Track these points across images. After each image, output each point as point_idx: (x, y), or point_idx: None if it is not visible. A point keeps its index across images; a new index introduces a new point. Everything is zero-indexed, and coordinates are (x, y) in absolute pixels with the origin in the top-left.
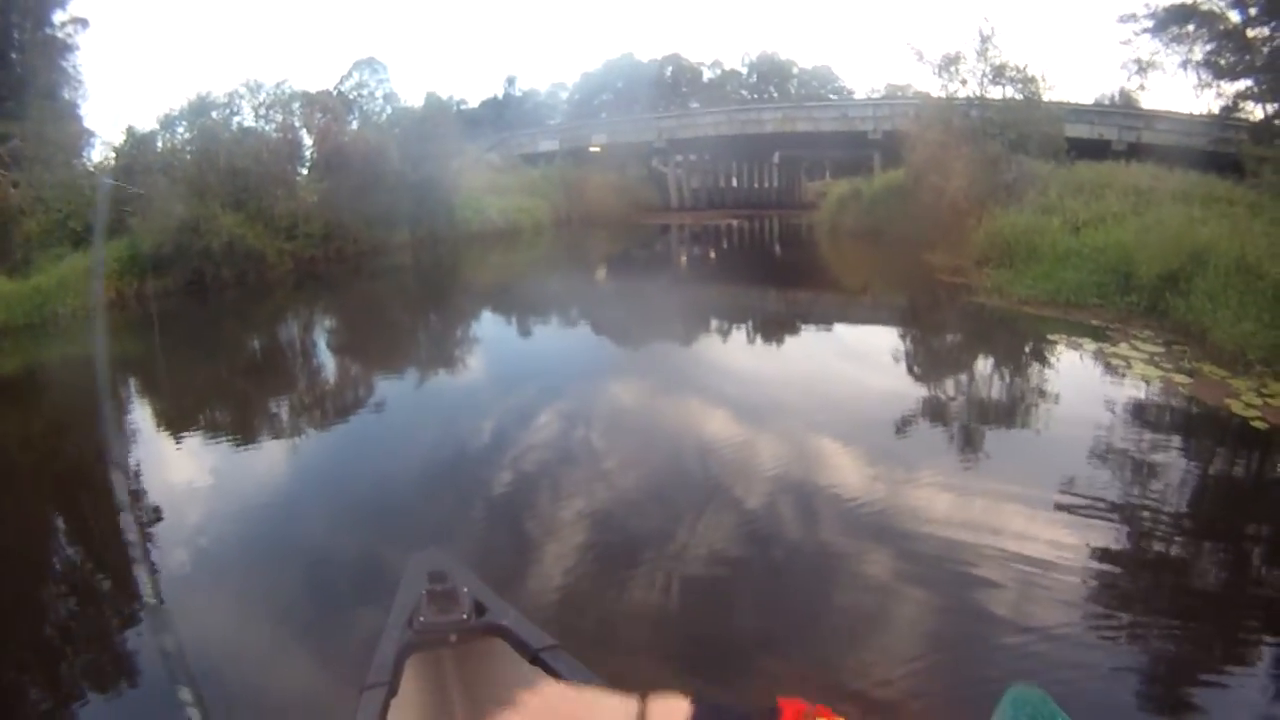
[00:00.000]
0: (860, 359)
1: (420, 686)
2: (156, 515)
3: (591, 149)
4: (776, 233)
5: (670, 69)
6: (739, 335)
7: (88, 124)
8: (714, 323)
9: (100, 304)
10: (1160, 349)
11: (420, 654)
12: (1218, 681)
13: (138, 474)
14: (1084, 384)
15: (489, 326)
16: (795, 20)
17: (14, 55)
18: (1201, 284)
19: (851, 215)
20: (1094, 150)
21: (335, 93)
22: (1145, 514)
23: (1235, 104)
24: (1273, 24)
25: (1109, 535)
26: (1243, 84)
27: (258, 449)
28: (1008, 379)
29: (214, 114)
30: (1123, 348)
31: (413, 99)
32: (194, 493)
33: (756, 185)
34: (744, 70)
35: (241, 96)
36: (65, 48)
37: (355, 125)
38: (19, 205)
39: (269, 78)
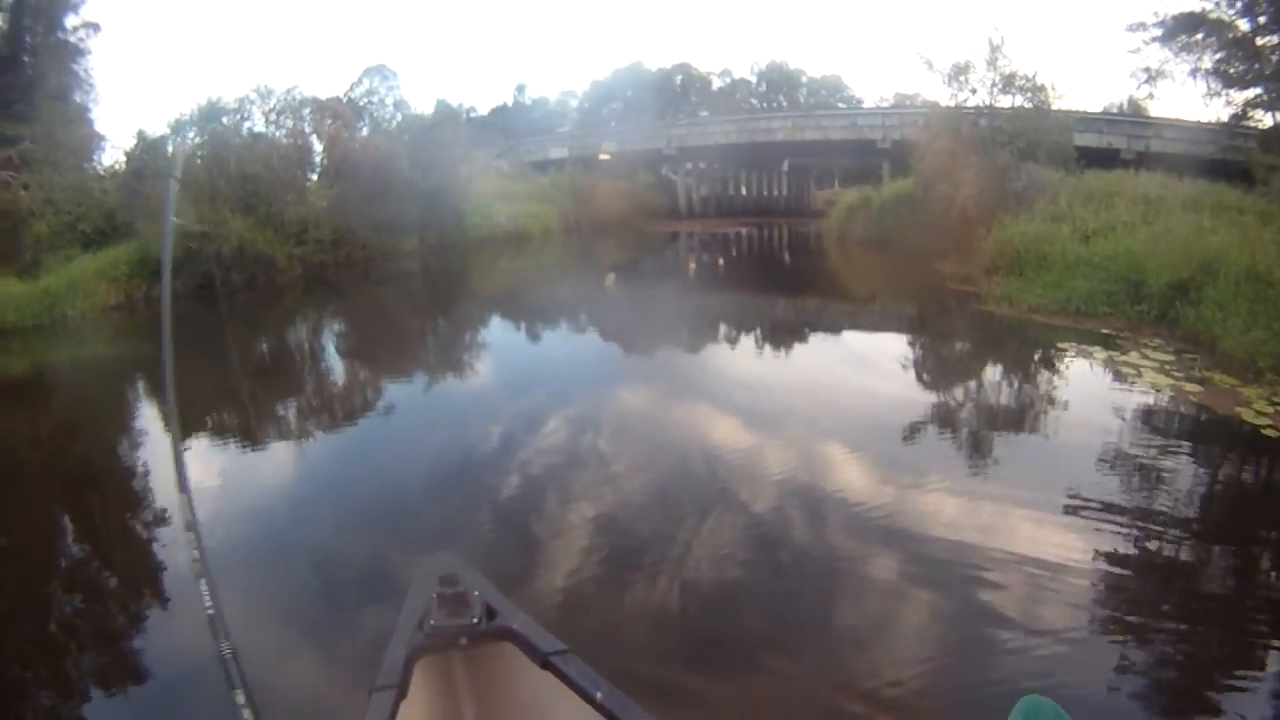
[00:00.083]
0: (869, 366)
1: (430, 689)
2: (164, 516)
3: (601, 156)
4: (785, 241)
5: (679, 77)
6: (748, 342)
7: (98, 128)
8: (723, 330)
9: (168, 309)
10: (1170, 357)
11: (430, 657)
12: (1229, 689)
13: (147, 475)
14: (1094, 392)
15: (497, 332)
16: (804, 29)
17: (26, 58)
18: (1211, 292)
19: (860, 224)
20: (1103, 159)
21: (345, 99)
22: (1156, 521)
23: (1244, 112)
24: None
25: (1120, 542)
26: (1252, 92)
27: (268, 452)
28: (1018, 386)
29: (224, 119)
30: (1133, 356)
31: (423, 106)
32: (203, 494)
33: (765, 193)
34: (753, 79)
35: (252, 102)
36: (77, 51)
37: (365, 132)
38: (29, 207)
39: (280, 83)
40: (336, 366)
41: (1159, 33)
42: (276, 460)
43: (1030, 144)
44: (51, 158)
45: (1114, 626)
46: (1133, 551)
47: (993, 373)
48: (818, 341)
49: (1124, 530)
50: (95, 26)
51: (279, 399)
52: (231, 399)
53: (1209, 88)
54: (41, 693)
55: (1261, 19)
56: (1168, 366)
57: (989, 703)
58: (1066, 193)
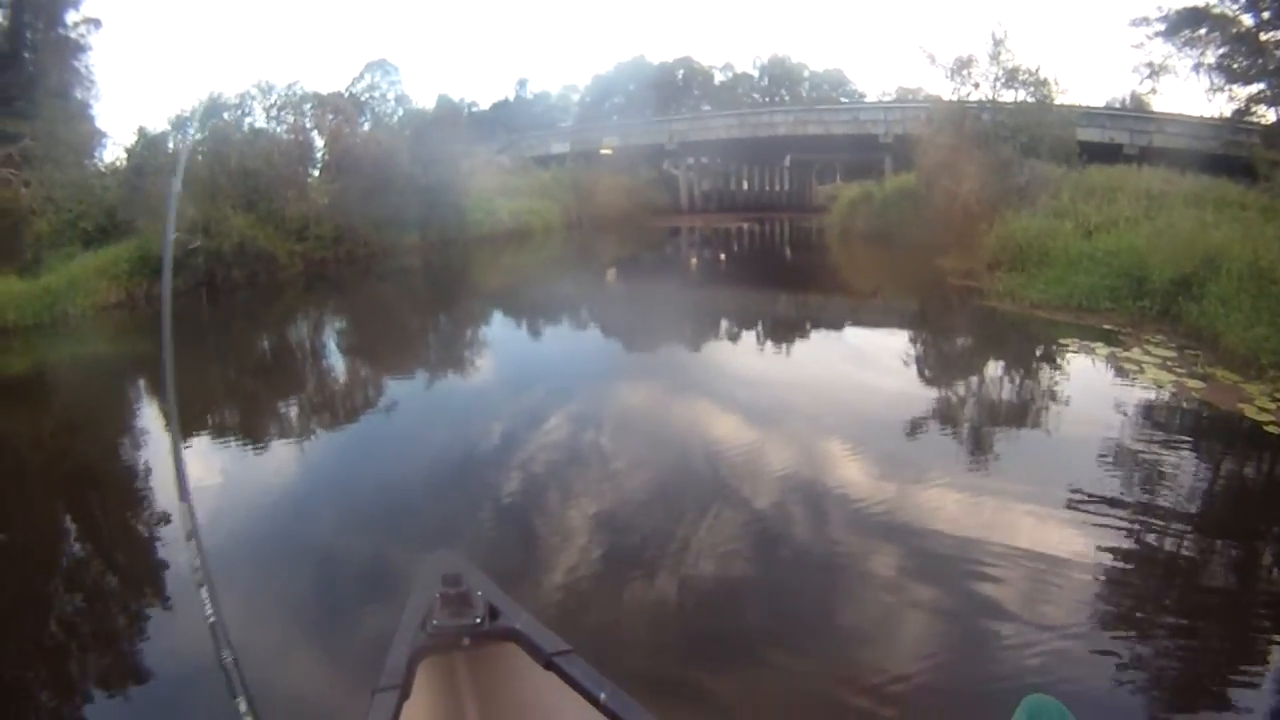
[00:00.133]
0: (871, 362)
1: (433, 690)
2: (165, 517)
3: (602, 151)
4: (787, 236)
5: (681, 72)
6: (749, 338)
7: (99, 124)
8: (724, 326)
9: (168, 318)
10: (1173, 353)
11: (433, 657)
12: (1233, 685)
13: (148, 473)
14: (1097, 388)
15: (499, 328)
16: (807, 23)
17: (26, 55)
18: (1214, 288)
19: (862, 218)
20: (1106, 154)
21: (347, 94)
22: (1159, 517)
23: (1248, 108)
24: None
25: (1122, 538)
26: (1255, 88)
27: (269, 449)
28: (1020, 383)
29: (225, 115)
30: (1135, 352)
31: (424, 101)
32: (204, 492)
33: (767, 188)
34: (755, 73)
35: (253, 98)
36: (77, 48)
37: (366, 127)
38: (30, 205)
39: (280, 79)
40: (338, 364)
41: (1162, 27)
42: (278, 458)
43: (1033, 139)
44: (52, 155)
45: (1117, 622)
46: (1135, 548)
47: (995, 369)
48: (819, 337)
49: (1127, 526)
50: (96, 23)
51: (280, 396)
52: (232, 396)
53: (1212, 83)
54: (40, 694)
55: (1265, 14)
56: (1170, 363)
57: (993, 698)
58: (1069, 188)
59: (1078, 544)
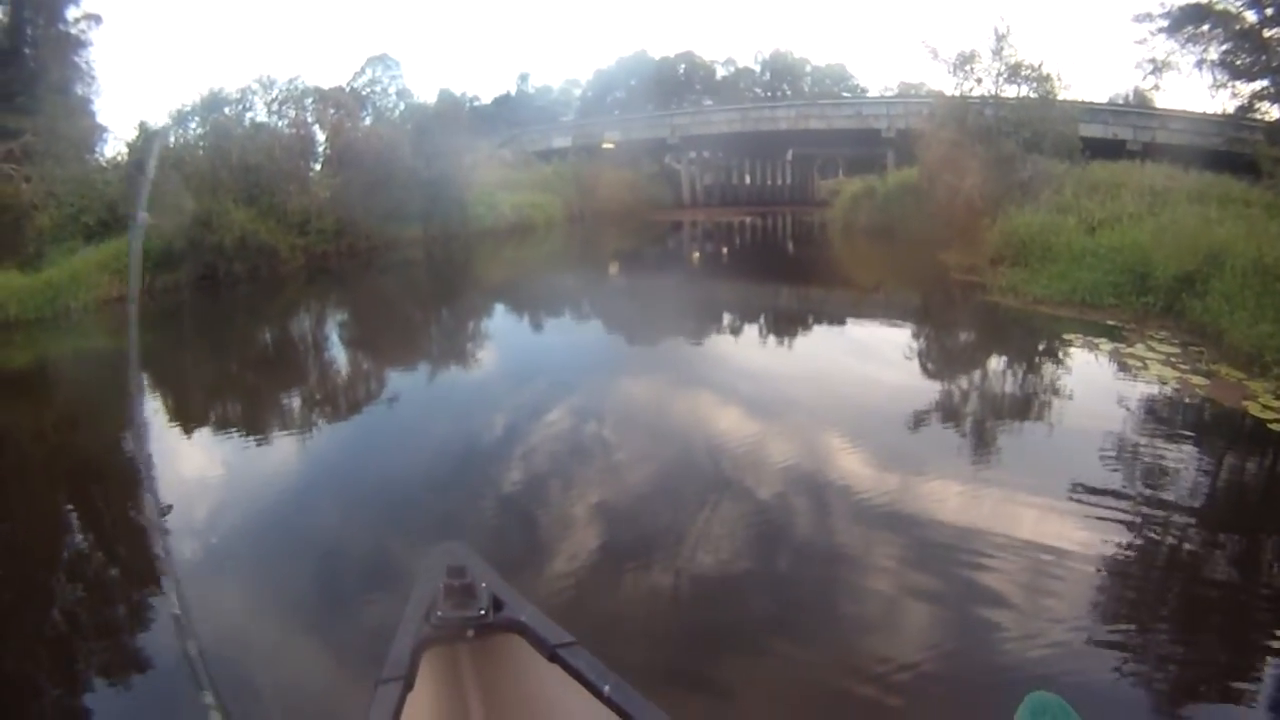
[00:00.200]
0: (874, 356)
1: (436, 681)
2: (169, 507)
3: (604, 145)
4: (789, 230)
5: (683, 66)
6: (751, 332)
7: (100, 119)
8: (727, 319)
9: (135, 323)
10: (1176, 350)
11: (437, 648)
12: (1235, 681)
13: (151, 466)
14: (1100, 384)
15: (502, 322)
16: (809, 18)
17: (27, 51)
18: (1218, 285)
19: (865, 213)
20: (1109, 150)
21: (348, 89)
22: (1162, 513)
23: (1251, 104)
24: None
25: (1125, 534)
26: (1259, 84)
27: (271, 442)
28: (1023, 378)
29: (227, 110)
30: (1139, 348)
31: (426, 95)
32: (207, 484)
33: (769, 183)
34: (757, 68)
35: (254, 92)
36: (78, 43)
37: (368, 121)
38: (31, 200)
39: (282, 73)
40: (340, 357)
41: (1165, 24)
42: (281, 450)
43: (1035, 134)
44: (54, 150)
45: (1119, 616)
46: (1138, 542)
47: (998, 363)
48: (822, 331)
49: (1129, 521)
50: (96, 18)
51: (283, 389)
52: (235, 389)
53: (1215, 79)
54: (38, 683)
55: (1269, 10)
56: (1174, 359)
57: (996, 688)
58: (1072, 183)
59: (1080, 538)
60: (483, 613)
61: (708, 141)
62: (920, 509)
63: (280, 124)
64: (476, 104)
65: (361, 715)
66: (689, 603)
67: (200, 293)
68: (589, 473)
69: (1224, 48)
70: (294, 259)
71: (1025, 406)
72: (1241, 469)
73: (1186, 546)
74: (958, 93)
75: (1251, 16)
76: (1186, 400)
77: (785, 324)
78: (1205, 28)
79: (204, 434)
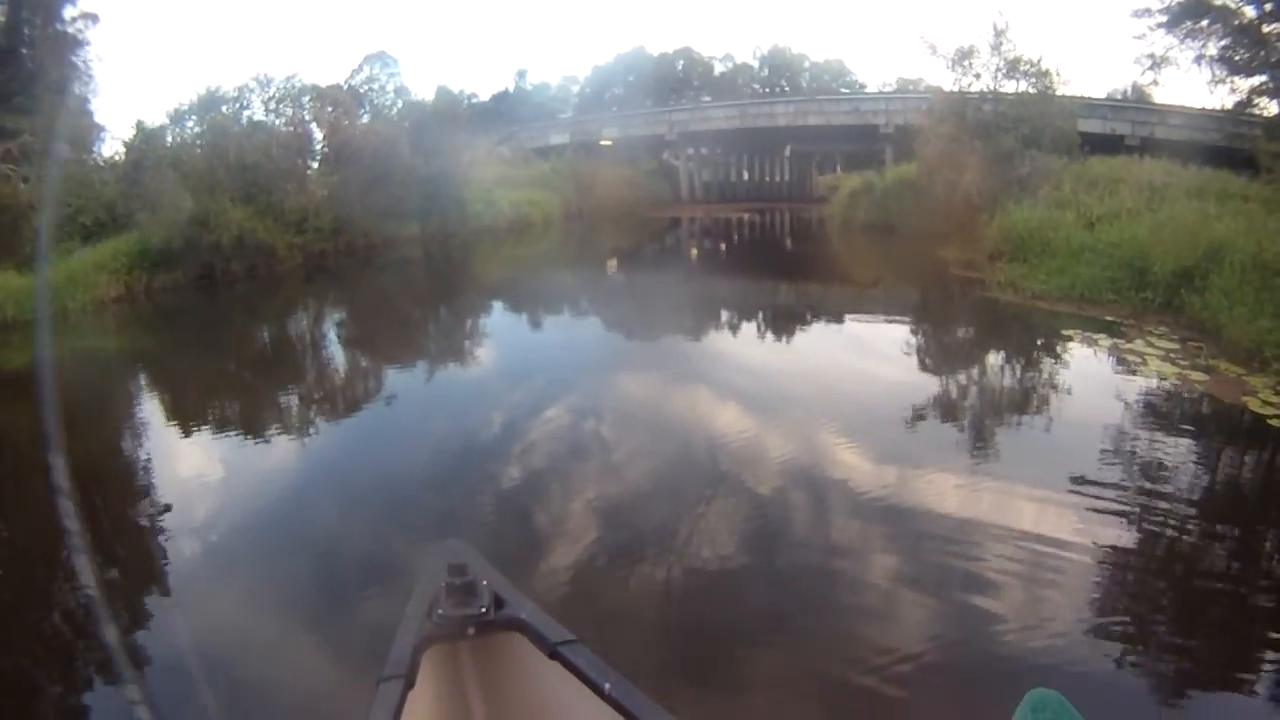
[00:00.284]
0: (872, 352)
1: (438, 679)
2: (167, 506)
3: (602, 142)
4: (788, 226)
5: (681, 62)
6: (750, 328)
7: (97, 119)
8: (725, 315)
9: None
10: (1176, 345)
11: (438, 646)
12: (1235, 677)
13: (149, 466)
14: (1099, 380)
15: (500, 319)
16: (807, 14)
17: (24, 51)
18: (1217, 280)
19: (863, 209)
20: (1107, 145)
21: (345, 87)
22: (1161, 509)
23: (1250, 100)
24: None
25: (1124, 529)
26: (1257, 79)
27: (270, 440)
28: (1021, 374)
29: (224, 108)
30: (1138, 344)
31: (423, 93)
32: (205, 483)
33: (768, 179)
34: (755, 64)
35: (251, 91)
36: (76, 43)
37: (366, 119)
38: (29, 200)
39: (279, 72)
40: (338, 355)
41: (1164, 19)
42: (279, 448)
43: (1034, 130)
44: (51, 150)
45: (1118, 610)
46: (1137, 537)
47: (996, 359)
48: (820, 327)
49: (1128, 518)
50: (94, 18)
51: (281, 388)
52: (234, 388)
53: (1214, 74)
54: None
55: (1267, 6)
56: (1173, 354)
57: (996, 680)
58: (1070, 179)
59: (1080, 531)
60: (484, 610)
61: (706, 138)
62: (919, 503)
63: (278, 122)
64: (474, 101)
65: (363, 713)
66: (689, 597)
67: (198, 292)
68: (588, 469)
69: (1223, 43)
70: (291, 257)
71: (1024, 402)
72: (1240, 464)
73: (1185, 540)
74: (956, 88)
75: (1250, 12)
76: (1185, 396)
77: (783, 320)
78: (1204, 23)
79: (203, 433)
